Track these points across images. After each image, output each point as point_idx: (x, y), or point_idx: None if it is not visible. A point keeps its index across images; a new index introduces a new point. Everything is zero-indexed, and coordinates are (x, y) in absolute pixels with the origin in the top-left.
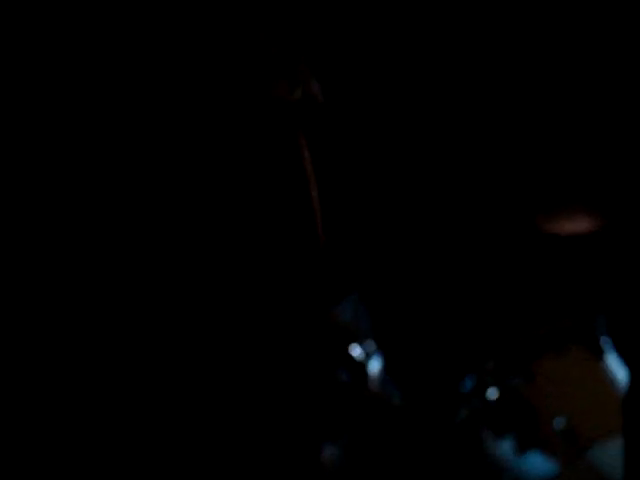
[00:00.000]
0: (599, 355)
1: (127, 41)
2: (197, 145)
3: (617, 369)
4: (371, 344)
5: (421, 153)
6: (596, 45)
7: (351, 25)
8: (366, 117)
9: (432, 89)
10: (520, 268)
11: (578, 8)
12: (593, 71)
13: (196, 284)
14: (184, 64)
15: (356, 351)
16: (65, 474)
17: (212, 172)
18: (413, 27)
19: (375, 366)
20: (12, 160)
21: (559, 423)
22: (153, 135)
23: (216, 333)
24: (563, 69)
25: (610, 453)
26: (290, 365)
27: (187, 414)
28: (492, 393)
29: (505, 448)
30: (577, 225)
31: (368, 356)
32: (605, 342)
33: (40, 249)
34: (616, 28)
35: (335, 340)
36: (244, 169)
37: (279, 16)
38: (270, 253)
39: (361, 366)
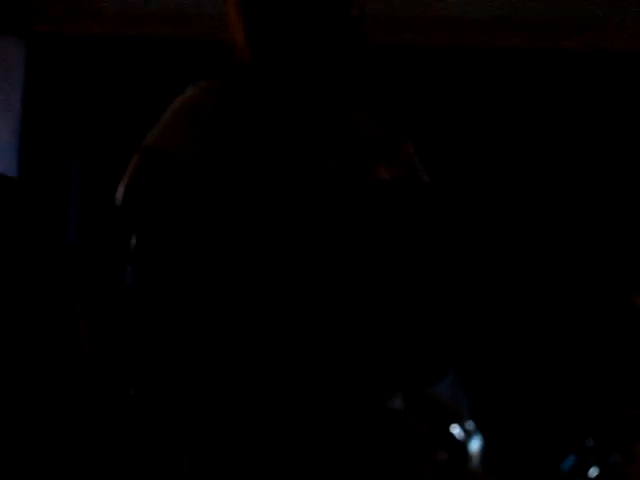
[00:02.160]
0: None
1: None
2: None
3: None
4: (471, 423)
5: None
6: None
7: None
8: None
9: None
10: (620, 346)
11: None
12: None
13: None
14: None
15: (456, 430)
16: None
17: None
18: None
19: (475, 445)
20: None
21: None
22: None
23: None
24: None
25: None
26: None
27: None
28: (593, 472)
29: None
30: None
31: (468, 435)
32: None
33: None
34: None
35: (435, 419)
36: None
37: (385, 93)
38: None
39: (461, 445)
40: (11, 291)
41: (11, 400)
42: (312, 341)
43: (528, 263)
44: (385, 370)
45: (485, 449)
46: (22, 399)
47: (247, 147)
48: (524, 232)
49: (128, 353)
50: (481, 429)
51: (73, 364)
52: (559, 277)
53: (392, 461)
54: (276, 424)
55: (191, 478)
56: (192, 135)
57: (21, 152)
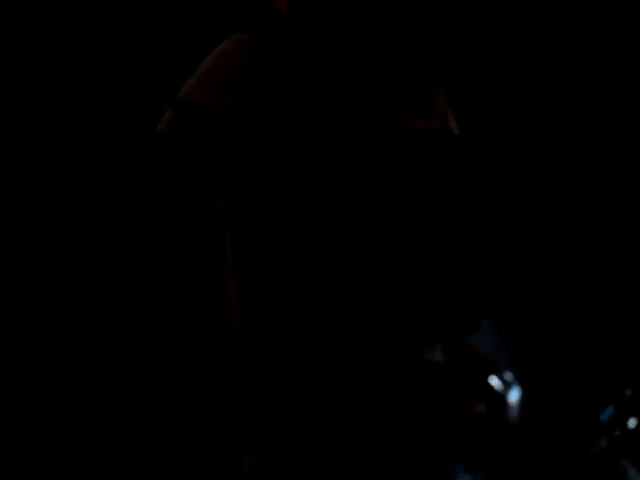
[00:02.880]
0: None
1: None
2: None
3: None
4: (510, 374)
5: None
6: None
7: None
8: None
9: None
10: None
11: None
12: None
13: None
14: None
15: (495, 382)
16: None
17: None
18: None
19: (514, 397)
20: None
21: None
22: None
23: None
24: None
25: None
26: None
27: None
28: (632, 422)
29: None
30: None
31: (507, 386)
32: None
33: None
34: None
35: (474, 370)
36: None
37: (421, 45)
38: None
39: (500, 397)
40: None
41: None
42: (349, 293)
43: (559, 216)
44: (421, 320)
45: (524, 400)
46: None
47: (281, 99)
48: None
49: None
50: (520, 380)
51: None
52: (589, 226)
53: (432, 411)
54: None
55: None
56: (227, 88)
57: None
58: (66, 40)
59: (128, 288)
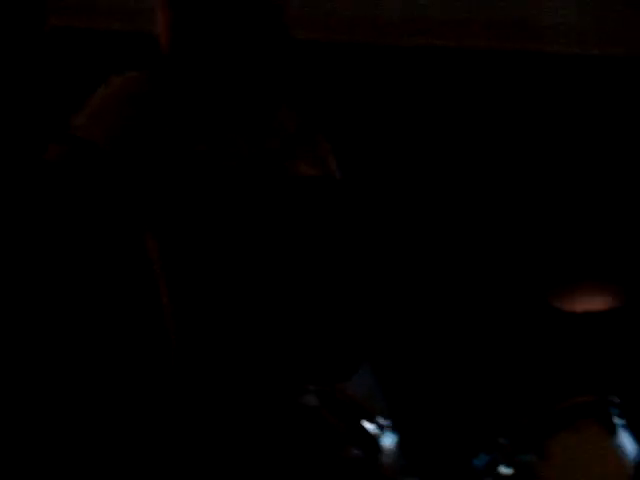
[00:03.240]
0: (612, 431)
1: None
2: None
3: (629, 445)
4: (385, 419)
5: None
6: None
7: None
8: (382, 191)
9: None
10: (535, 345)
11: None
12: None
13: None
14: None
15: (369, 425)
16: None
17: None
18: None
19: (389, 441)
20: None
21: None
22: None
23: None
24: None
25: None
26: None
27: None
28: (505, 470)
29: None
30: (593, 303)
31: (381, 431)
32: (617, 418)
33: None
34: None
35: (348, 415)
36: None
37: (303, 91)
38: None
39: (374, 441)
40: None
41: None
42: (235, 327)
43: (447, 262)
44: (296, 364)
45: (399, 445)
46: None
47: (167, 137)
48: (447, 229)
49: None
50: (396, 425)
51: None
52: (476, 275)
53: (307, 455)
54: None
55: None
56: (115, 125)
57: None
58: None
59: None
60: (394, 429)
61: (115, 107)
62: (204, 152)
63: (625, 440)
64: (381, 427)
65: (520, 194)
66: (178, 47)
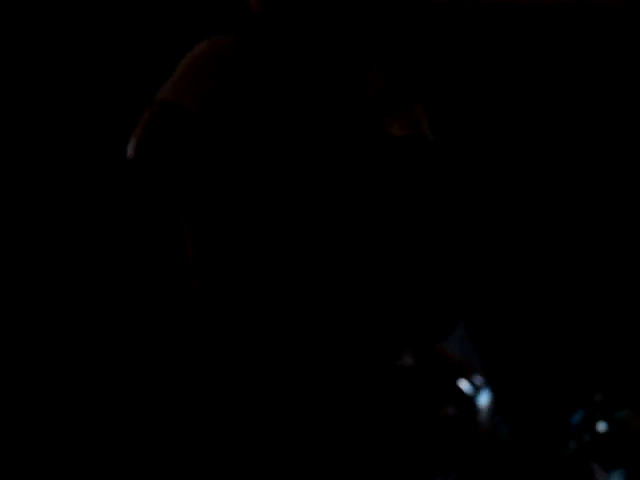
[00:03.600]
0: None
1: None
2: None
3: None
4: (480, 378)
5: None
6: None
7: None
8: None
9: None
10: (630, 304)
11: None
12: None
13: None
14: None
15: (465, 385)
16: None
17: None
18: None
19: (484, 400)
20: None
21: None
22: None
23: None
24: None
25: None
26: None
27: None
28: (601, 426)
29: None
30: None
31: (477, 390)
32: None
33: None
34: None
35: (444, 374)
36: None
37: (395, 52)
38: None
39: (470, 400)
40: None
41: None
42: (320, 299)
43: (534, 216)
44: (393, 326)
45: (495, 404)
46: None
47: (257, 101)
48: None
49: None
50: (491, 384)
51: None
52: (563, 231)
53: (404, 415)
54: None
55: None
56: (203, 89)
57: None
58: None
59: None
60: (489, 388)
61: (203, 70)
62: (295, 113)
63: None
64: (476, 386)
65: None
66: (268, 7)
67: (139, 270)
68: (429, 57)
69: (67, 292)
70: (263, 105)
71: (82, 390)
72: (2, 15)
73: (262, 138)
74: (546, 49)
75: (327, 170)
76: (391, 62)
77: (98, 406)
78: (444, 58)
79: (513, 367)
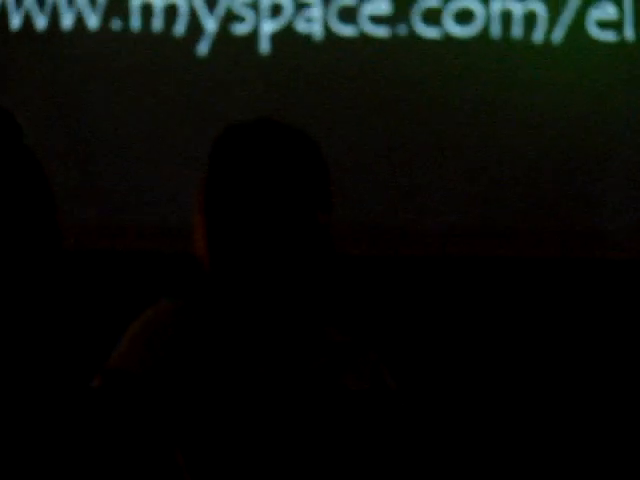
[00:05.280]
0: None
1: None
2: None
3: None
4: None
5: None
6: None
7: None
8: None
9: None
10: None
11: None
12: None
13: None
14: None
15: None
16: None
17: None
18: None
19: None
20: None
21: None
22: None
23: None
24: None
25: None
26: None
27: None
28: None
29: None
30: None
31: None
32: None
33: None
34: None
35: None
36: None
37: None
38: None
39: None
40: None
41: None
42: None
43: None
44: None
45: None
46: None
47: (209, 360)
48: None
49: None
50: None
51: None
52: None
53: None
54: None
55: None
56: (151, 353)
57: None
58: None
59: None
60: None
61: (153, 335)
62: (248, 370)
63: None
64: None
65: None
66: (216, 265)
67: None
68: (383, 309)
69: None
70: (219, 362)
71: None
72: None
73: (222, 398)
74: (487, 299)
75: (290, 425)
76: (344, 316)
77: None
78: (396, 310)
79: None
